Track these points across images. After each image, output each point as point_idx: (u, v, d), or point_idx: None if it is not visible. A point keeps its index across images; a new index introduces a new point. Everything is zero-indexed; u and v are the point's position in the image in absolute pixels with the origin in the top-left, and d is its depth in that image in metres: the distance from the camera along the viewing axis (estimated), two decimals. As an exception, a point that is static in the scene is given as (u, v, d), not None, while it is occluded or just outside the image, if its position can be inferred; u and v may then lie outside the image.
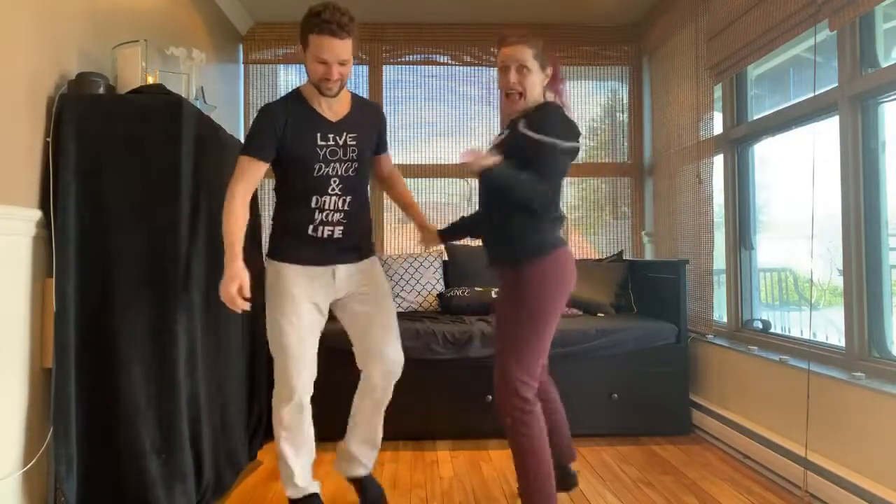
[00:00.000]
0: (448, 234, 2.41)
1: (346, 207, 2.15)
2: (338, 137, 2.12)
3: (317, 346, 2.17)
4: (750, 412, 2.84)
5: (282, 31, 4.19)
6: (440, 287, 3.78)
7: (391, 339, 2.22)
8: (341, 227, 2.16)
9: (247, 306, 1.95)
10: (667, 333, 3.22)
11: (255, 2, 3.87)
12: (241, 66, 4.22)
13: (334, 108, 2.14)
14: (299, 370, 2.10)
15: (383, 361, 2.20)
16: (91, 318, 1.99)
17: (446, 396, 3.09)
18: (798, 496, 2.38)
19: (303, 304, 2.12)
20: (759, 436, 2.69)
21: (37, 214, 1.95)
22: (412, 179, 4.23)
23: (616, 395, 3.16)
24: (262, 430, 2.85)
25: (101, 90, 2.09)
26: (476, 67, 4.34)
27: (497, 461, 2.85)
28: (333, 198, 2.13)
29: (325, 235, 2.14)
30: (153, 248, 2.02)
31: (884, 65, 2.27)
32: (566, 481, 2.40)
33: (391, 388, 2.25)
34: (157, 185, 2.03)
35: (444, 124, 4.33)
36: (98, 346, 1.99)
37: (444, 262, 3.90)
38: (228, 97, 3.97)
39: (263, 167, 2.07)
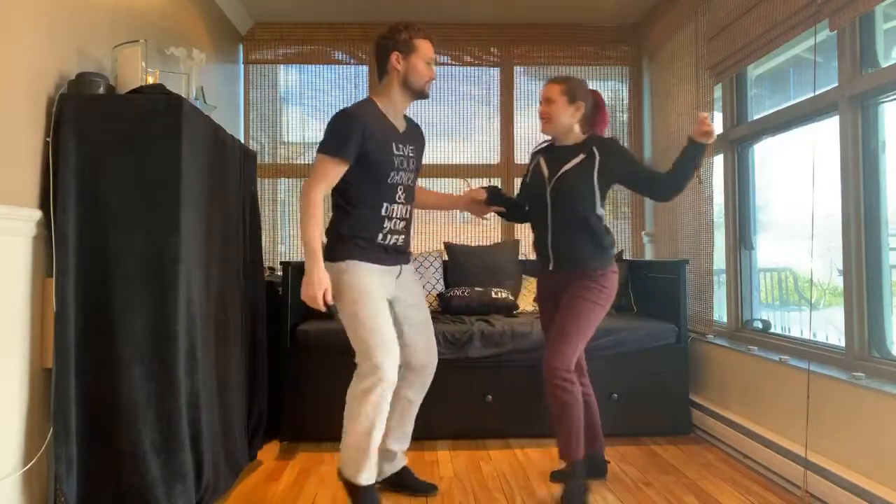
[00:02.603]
0: (493, 199, 2.55)
1: (407, 216, 2.30)
2: (405, 148, 2.25)
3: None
4: (750, 412, 2.84)
5: (282, 31, 4.20)
6: (440, 287, 3.78)
7: (433, 345, 2.40)
8: (403, 236, 2.28)
9: (323, 308, 2.05)
10: (667, 333, 3.22)
11: (255, 2, 3.87)
12: (241, 66, 4.22)
13: (399, 121, 2.26)
14: (388, 353, 2.12)
15: (425, 367, 2.37)
16: (91, 318, 1.99)
17: (446, 396, 3.08)
18: (798, 496, 2.38)
19: (381, 301, 2.18)
20: (759, 436, 2.69)
21: (37, 214, 1.95)
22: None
23: (616, 395, 3.16)
24: (262, 430, 2.85)
25: (101, 90, 2.09)
26: (476, 67, 4.34)
27: (497, 461, 2.85)
28: (399, 206, 2.24)
29: (391, 243, 2.24)
30: (153, 248, 2.02)
31: (884, 65, 2.27)
32: (598, 468, 2.55)
33: (426, 388, 2.42)
34: (157, 185, 2.03)
35: (444, 124, 4.33)
36: (98, 346, 1.98)
37: (444, 262, 3.90)
38: (228, 97, 3.97)
39: (344, 170, 2.12)
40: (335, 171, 2.11)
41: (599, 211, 2.37)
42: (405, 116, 2.34)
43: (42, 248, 1.99)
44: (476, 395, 3.13)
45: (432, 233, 4.33)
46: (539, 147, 2.56)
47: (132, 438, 1.97)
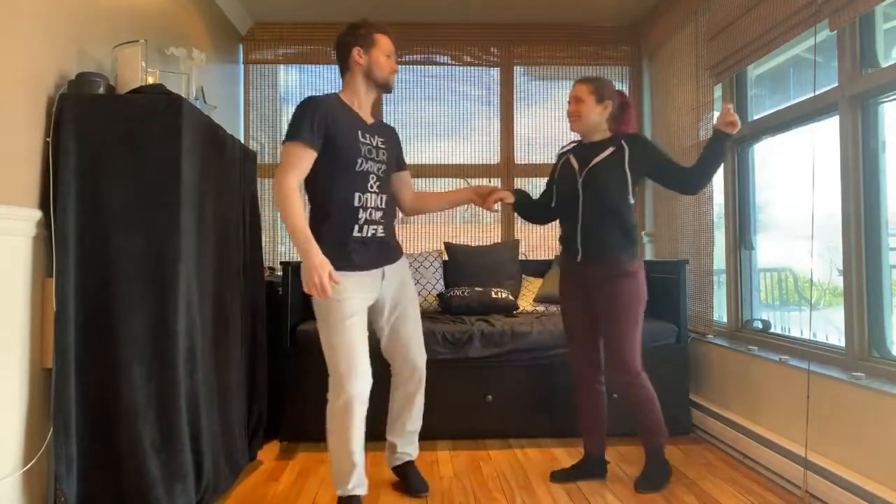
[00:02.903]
0: (519, 204, 2.62)
1: (384, 206, 2.27)
2: (372, 138, 2.27)
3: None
4: (750, 412, 2.84)
5: (282, 31, 4.20)
6: (440, 287, 3.78)
7: (422, 342, 2.44)
8: (383, 226, 2.26)
9: (331, 294, 2.01)
10: (667, 333, 3.22)
11: (255, 2, 3.87)
12: (241, 66, 4.22)
13: (365, 113, 2.30)
14: (357, 374, 2.11)
15: (413, 364, 2.41)
16: (91, 318, 1.99)
17: (446, 396, 3.08)
18: (798, 496, 2.38)
19: (355, 315, 2.14)
20: (759, 436, 2.69)
21: (37, 214, 1.95)
22: (412, 179, 4.23)
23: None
24: (262, 430, 2.85)
25: (101, 90, 2.09)
26: (476, 67, 4.34)
27: (497, 461, 2.85)
28: (373, 195, 2.23)
29: (370, 235, 2.21)
30: (153, 248, 2.02)
31: (884, 65, 2.27)
32: (598, 468, 2.60)
33: (423, 383, 2.46)
34: (157, 185, 2.03)
35: (444, 124, 4.33)
36: (98, 346, 1.99)
37: (444, 262, 3.90)
38: (228, 97, 3.97)
39: (313, 156, 2.11)
40: (305, 158, 2.08)
41: (630, 202, 2.40)
42: (376, 118, 2.37)
43: (42, 248, 1.99)
44: (476, 395, 3.13)
45: (432, 233, 4.33)
46: (566, 147, 2.61)
47: (132, 438, 1.97)
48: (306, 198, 2.24)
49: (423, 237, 4.31)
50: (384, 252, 2.28)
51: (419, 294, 3.71)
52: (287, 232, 2.13)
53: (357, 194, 2.18)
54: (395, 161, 2.40)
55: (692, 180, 2.38)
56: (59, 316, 1.94)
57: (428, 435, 3.11)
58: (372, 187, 2.23)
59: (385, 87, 2.30)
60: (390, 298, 2.32)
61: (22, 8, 1.91)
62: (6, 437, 1.84)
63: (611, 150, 2.42)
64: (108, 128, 2.02)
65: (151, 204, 2.02)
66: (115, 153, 2.02)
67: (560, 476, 2.58)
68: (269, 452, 2.95)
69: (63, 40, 2.12)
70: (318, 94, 2.21)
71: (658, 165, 2.42)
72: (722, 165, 3.30)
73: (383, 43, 2.27)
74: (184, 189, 2.06)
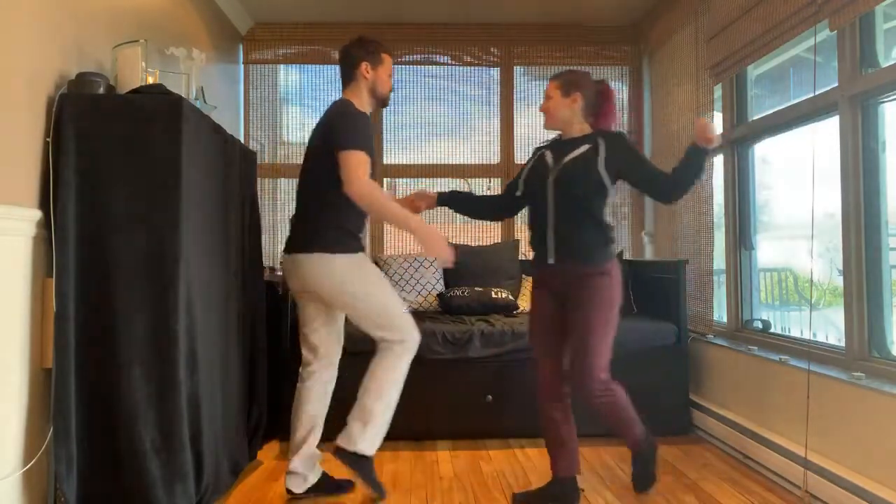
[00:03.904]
0: (446, 199, 2.58)
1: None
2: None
3: None
4: (750, 412, 2.84)
5: (282, 31, 4.20)
6: (440, 287, 3.79)
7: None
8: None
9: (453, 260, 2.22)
10: (667, 333, 3.22)
11: (255, 2, 3.87)
12: (241, 66, 4.22)
13: None
14: (413, 324, 2.38)
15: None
16: (91, 318, 1.99)
17: (446, 396, 3.08)
18: (798, 496, 2.38)
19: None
20: (759, 436, 2.69)
21: (37, 214, 1.95)
22: (412, 179, 4.24)
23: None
24: (261, 430, 2.85)
25: (101, 90, 2.09)
26: (476, 67, 4.34)
27: (497, 461, 2.85)
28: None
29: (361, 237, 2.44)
30: (153, 248, 2.01)
31: (884, 65, 2.27)
32: (569, 496, 2.32)
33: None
34: (157, 185, 2.03)
35: (444, 124, 4.33)
36: (98, 346, 1.98)
37: (444, 262, 3.90)
38: (228, 97, 3.97)
39: (369, 163, 2.28)
40: (366, 164, 2.22)
41: (603, 202, 2.30)
42: None
43: (42, 248, 1.99)
44: (476, 395, 3.13)
45: (432, 233, 4.32)
46: (543, 143, 2.51)
47: (132, 438, 1.97)
48: (312, 189, 2.36)
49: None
50: None
51: (419, 294, 3.72)
52: (386, 220, 2.30)
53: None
54: None
55: (667, 190, 2.29)
56: (59, 316, 1.94)
57: (428, 435, 3.12)
58: None
59: (383, 103, 2.49)
60: None
61: (22, 8, 1.90)
62: (6, 437, 1.83)
63: (586, 147, 2.30)
64: (108, 128, 2.02)
65: (151, 204, 2.02)
66: (115, 153, 2.02)
67: (523, 498, 2.35)
68: (269, 452, 2.95)
69: (63, 40, 2.12)
70: (352, 105, 2.33)
71: (632, 168, 2.30)
72: (723, 166, 3.32)
73: (388, 63, 2.44)
74: (184, 189, 2.05)
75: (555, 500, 2.31)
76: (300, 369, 2.46)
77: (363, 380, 2.33)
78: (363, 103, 2.39)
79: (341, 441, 2.28)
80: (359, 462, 2.26)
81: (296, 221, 2.40)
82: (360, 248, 2.37)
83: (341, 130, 2.23)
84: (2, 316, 1.82)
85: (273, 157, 4.28)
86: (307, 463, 2.37)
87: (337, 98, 2.41)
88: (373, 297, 2.31)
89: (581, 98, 2.36)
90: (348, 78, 2.41)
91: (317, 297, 2.34)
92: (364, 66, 2.37)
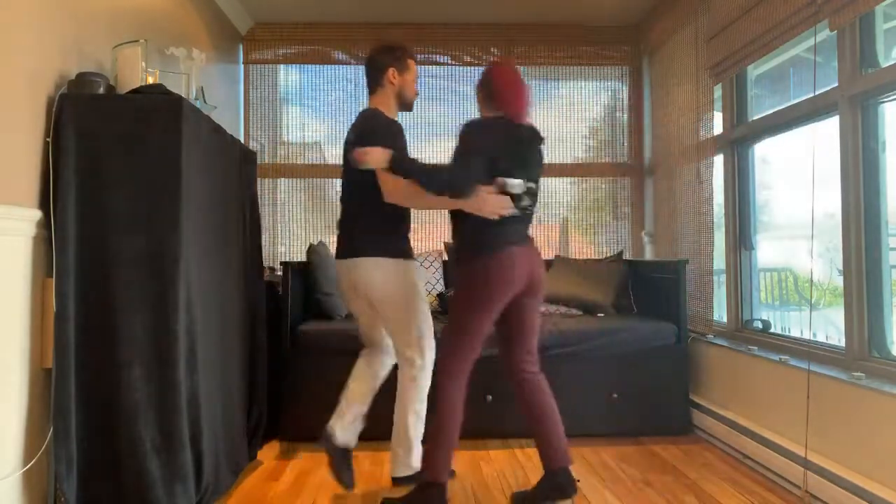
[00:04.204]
0: None
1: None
2: None
3: None
4: (750, 412, 2.84)
5: (282, 31, 4.19)
6: (440, 287, 3.78)
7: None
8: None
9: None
10: (667, 333, 3.22)
11: (255, 2, 3.87)
12: (241, 66, 4.22)
13: None
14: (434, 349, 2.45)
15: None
16: (91, 318, 1.99)
17: (446, 396, 3.08)
18: (798, 496, 2.38)
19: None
20: (759, 436, 2.69)
21: (37, 214, 1.95)
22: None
23: (616, 395, 3.16)
24: (262, 430, 2.85)
25: (101, 90, 2.09)
26: (476, 67, 4.33)
27: (497, 461, 2.85)
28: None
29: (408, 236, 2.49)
30: (153, 248, 2.01)
31: (884, 65, 2.27)
32: (561, 488, 2.21)
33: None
34: (156, 185, 2.03)
35: (444, 124, 4.33)
36: (98, 346, 1.98)
37: (444, 262, 3.90)
38: (228, 97, 3.97)
39: None
40: None
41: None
42: None
43: (42, 248, 1.99)
44: (476, 395, 3.12)
45: (432, 233, 4.32)
46: None
47: (132, 438, 1.97)
48: (356, 199, 2.40)
49: (423, 237, 4.31)
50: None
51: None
52: (434, 208, 2.42)
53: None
54: None
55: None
56: (59, 316, 1.94)
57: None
58: None
59: (408, 108, 2.51)
60: None
61: (22, 8, 1.91)
62: (6, 437, 1.83)
63: None
64: (108, 128, 2.02)
65: (151, 204, 2.02)
66: (115, 153, 2.02)
67: (521, 498, 2.30)
68: (269, 452, 2.95)
69: (63, 40, 2.12)
70: (385, 117, 2.36)
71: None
72: (723, 166, 3.32)
73: (414, 69, 2.48)
74: (184, 189, 2.05)
75: (550, 494, 2.21)
76: None
77: (395, 405, 2.44)
78: (391, 110, 2.43)
79: (396, 472, 2.43)
80: (416, 476, 2.31)
81: (343, 229, 2.44)
82: (409, 254, 2.43)
83: (374, 142, 2.23)
84: (2, 316, 1.82)
85: (273, 157, 4.28)
86: (347, 429, 2.43)
87: (353, 103, 2.47)
88: (415, 311, 2.37)
89: (480, 91, 2.30)
90: (375, 83, 2.44)
91: (364, 297, 2.40)
92: (391, 71, 2.40)
